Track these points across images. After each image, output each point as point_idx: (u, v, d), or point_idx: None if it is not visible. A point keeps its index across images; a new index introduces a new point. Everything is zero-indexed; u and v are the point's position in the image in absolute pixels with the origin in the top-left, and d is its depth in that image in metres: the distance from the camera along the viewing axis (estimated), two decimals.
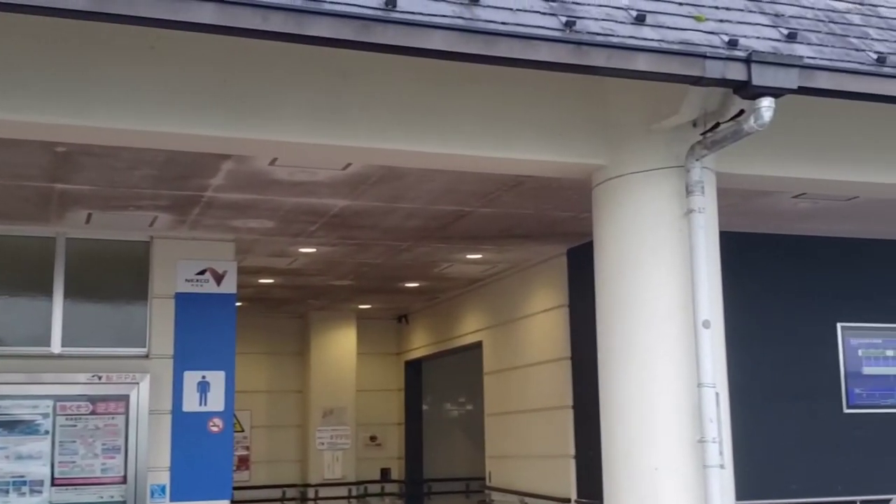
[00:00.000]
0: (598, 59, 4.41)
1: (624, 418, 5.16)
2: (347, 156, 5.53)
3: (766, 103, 4.81)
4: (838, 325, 8.49)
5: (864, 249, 8.66)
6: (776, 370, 8.21)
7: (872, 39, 5.38)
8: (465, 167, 5.49)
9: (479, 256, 9.59)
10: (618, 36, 4.50)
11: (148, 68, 4.48)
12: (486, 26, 4.25)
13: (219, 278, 8.08)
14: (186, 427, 7.85)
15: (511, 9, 4.43)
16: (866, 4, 5.81)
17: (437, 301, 12.81)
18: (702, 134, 5.17)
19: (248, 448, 13.83)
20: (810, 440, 8.26)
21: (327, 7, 4.00)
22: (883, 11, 5.79)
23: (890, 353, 8.55)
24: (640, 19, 4.75)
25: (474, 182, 6.66)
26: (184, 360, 7.91)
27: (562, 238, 8.67)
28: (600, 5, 4.78)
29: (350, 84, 4.81)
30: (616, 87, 5.30)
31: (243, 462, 13.74)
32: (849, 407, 8.41)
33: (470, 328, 11.63)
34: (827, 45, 5.18)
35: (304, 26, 3.96)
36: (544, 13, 4.50)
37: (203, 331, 7.94)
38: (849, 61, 5.09)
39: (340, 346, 14.05)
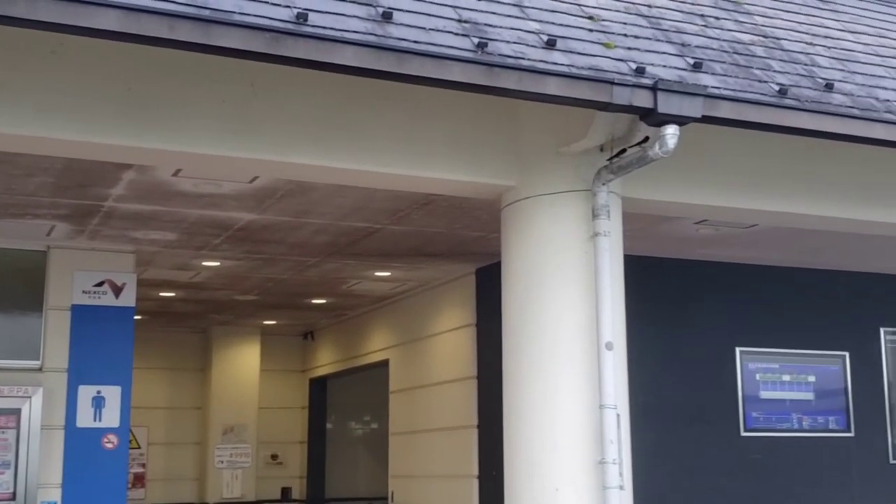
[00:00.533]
0: (508, 81, 4.42)
1: (526, 438, 5.17)
2: (254, 169, 5.47)
3: (671, 131, 4.86)
4: (737, 350, 8.64)
5: (763, 276, 8.80)
6: (677, 393, 8.31)
7: (775, 71, 5.49)
8: (376, 184, 5.48)
9: (387, 274, 9.55)
10: (529, 59, 4.53)
11: (48, 73, 4.38)
12: (399, 44, 4.25)
13: (117, 290, 7.96)
14: (80, 443, 7.71)
15: (424, 28, 4.44)
16: (770, 37, 5.93)
17: (344, 318, 12.72)
18: (609, 159, 5.21)
19: (144, 465, 13.57)
20: (708, 462, 8.36)
21: (237, 18, 3.95)
22: (785, 45, 5.92)
23: (786, 377, 8.70)
24: (550, 44, 4.77)
25: (385, 199, 6.64)
26: (79, 373, 7.77)
27: (471, 257, 8.68)
28: (512, 28, 4.80)
29: (259, 97, 4.77)
30: (527, 110, 5.32)
31: (139, 480, 13.46)
32: (746, 430, 8.56)
33: (377, 346, 11.58)
34: (731, 76, 5.26)
35: (212, 37, 3.89)
36: (457, 34, 4.51)
37: (99, 344, 7.79)
38: (751, 92, 5.18)
39: (243, 363, 13.87)
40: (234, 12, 3.97)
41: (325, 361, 13.90)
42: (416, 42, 4.30)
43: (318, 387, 14.46)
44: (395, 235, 7.78)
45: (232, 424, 13.60)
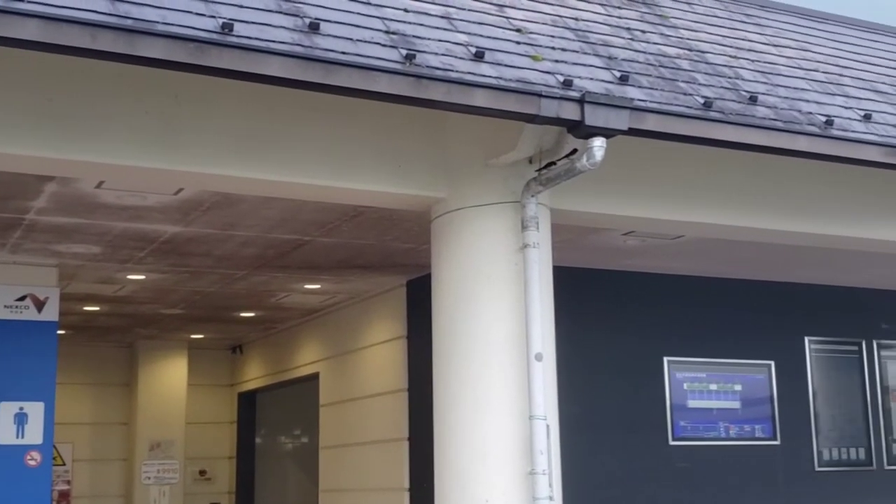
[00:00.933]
0: (436, 93, 4.44)
1: (457, 450, 5.17)
2: (179, 181, 5.39)
3: (598, 143, 4.89)
4: (665, 359, 8.66)
5: (690, 286, 8.85)
6: (606, 402, 8.34)
7: (700, 84, 5.58)
8: (304, 196, 5.44)
9: (317, 287, 9.50)
10: (457, 71, 4.54)
11: None
12: (326, 55, 4.22)
13: (40, 305, 7.83)
14: (1, 461, 7.55)
15: (352, 39, 4.43)
16: (695, 51, 6.04)
17: (273, 331, 12.51)
18: (537, 171, 5.23)
19: (69, 483, 13.29)
20: (637, 472, 8.37)
21: (160, 28, 3.90)
22: (710, 58, 6.03)
23: (713, 386, 8.76)
24: (479, 56, 4.78)
25: (313, 211, 6.58)
26: (0, 390, 7.59)
27: (402, 269, 8.63)
28: (440, 40, 4.80)
29: (183, 107, 4.70)
30: (456, 122, 5.32)
31: (63, 497, 13.18)
32: (674, 439, 8.59)
33: (307, 359, 11.48)
34: (657, 89, 5.33)
35: (135, 47, 3.83)
36: (385, 45, 4.52)
37: (21, 359, 7.65)
38: (677, 105, 5.25)
39: (170, 377, 13.68)
40: (157, 22, 3.92)
41: (254, 375, 13.76)
42: (343, 53, 4.29)
43: (247, 401, 14.30)
44: (324, 247, 7.72)
45: (159, 440, 13.39)
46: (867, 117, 6.00)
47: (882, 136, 5.83)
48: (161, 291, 9.57)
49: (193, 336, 13.25)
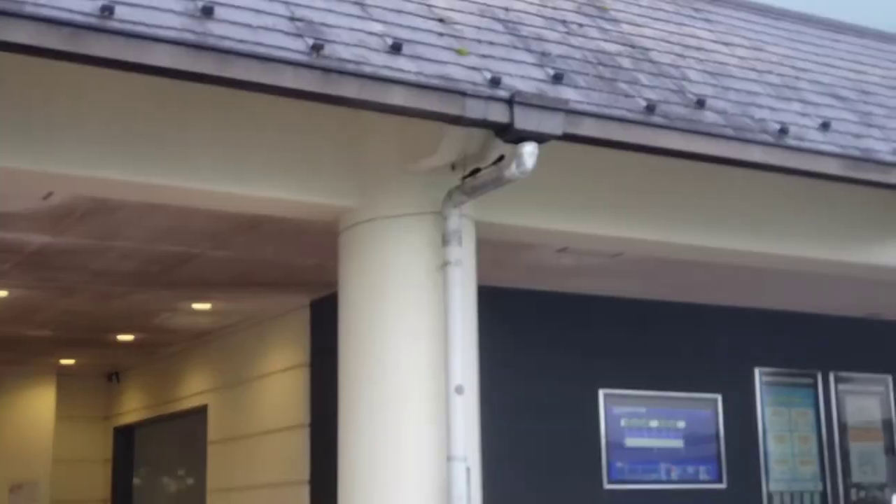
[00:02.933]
0: (348, 89, 4.46)
1: (366, 495, 5.22)
2: (48, 184, 5.36)
3: (529, 149, 4.95)
4: (600, 392, 8.70)
5: (631, 310, 8.91)
6: (534, 441, 8.36)
7: (642, 85, 5.66)
8: (193, 202, 5.44)
9: (207, 306, 9.50)
10: (371, 65, 4.56)
11: None
12: (220, 43, 4.21)
13: None
14: None
15: (251, 26, 4.42)
16: (637, 48, 6.14)
17: (156, 357, 12.41)
18: (461, 178, 5.29)
19: None
20: None
21: (29, 9, 3.85)
22: (654, 56, 6.12)
23: (654, 423, 8.84)
24: (395, 48, 4.81)
25: (204, 220, 6.57)
26: None
27: (305, 288, 8.67)
28: (352, 29, 4.83)
29: (55, 101, 4.68)
30: (369, 121, 5.35)
31: None
32: (610, 482, 8.64)
33: (194, 389, 11.42)
34: (595, 90, 5.41)
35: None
36: (289, 33, 4.51)
37: None
38: (617, 108, 5.33)
39: (34, 409, 13.43)
40: (26, 3, 3.87)
41: (133, 407, 13.56)
42: (241, 41, 4.29)
43: (125, 436, 14.10)
44: (216, 262, 7.73)
45: (21, 481, 13.13)
46: (825, 126, 6.13)
47: (841, 146, 5.98)
48: (26, 310, 9.47)
49: (63, 362, 13.03)
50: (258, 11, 4.56)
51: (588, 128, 5.15)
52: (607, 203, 6.03)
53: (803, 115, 6.21)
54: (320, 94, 4.45)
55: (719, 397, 9.18)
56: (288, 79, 4.31)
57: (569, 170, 5.78)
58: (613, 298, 8.84)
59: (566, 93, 5.25)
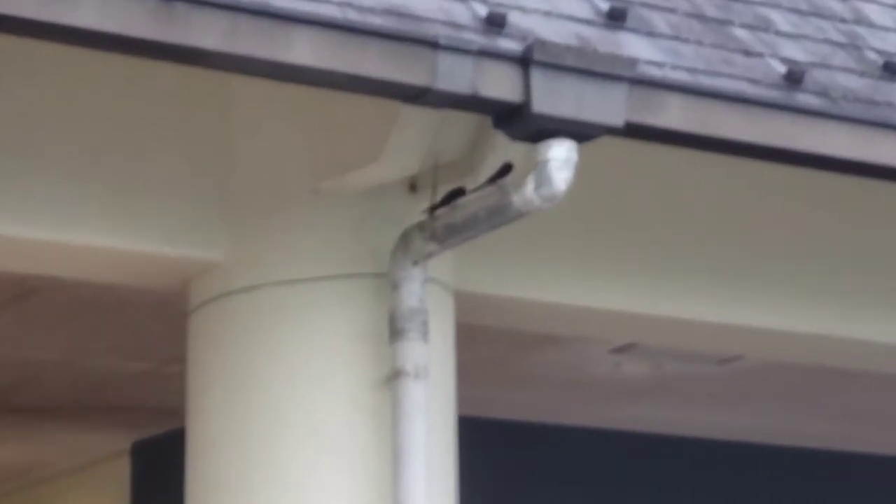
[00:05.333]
0: (204, 34, 3.82)
1: None
2: None
3: (562, 152, 4.25)
4: None
5: (749, 459, 8.15)
6: None
7: (778, 34, 5.01)
8: None
9: None
10: None
11: None
12: None
13: None
14: None
15: None
16: None
17: None
18: (428, 209, 4.67)
19: None
20: None
21: None
22: None
23: None
24: None
25: None
26: None
27: (123, 419, 7.81)
28: None
29: None
30: (249, 103, 4.86)
31: None
32: None
33: None
34: (688, 40, 4.69)
35: None
36: None
37: None
38: (730, 76, 4.58)
39: None
40: None
41: None
42: None
43: None
44: None
45: None
46: None
47: None
48: None
49: None
50: None
51: (675, 113, 4.39)
52: (716, 265, 5.46)
53: None
54: (152, 45, 3.80)
55: None
56: (88, 17, 3.71)
57: (628, 194, 5.31)
58: (713, 443, 8.09)
59: (632, 45, 4.54)
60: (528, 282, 5.19)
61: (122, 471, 8.19)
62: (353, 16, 3.99)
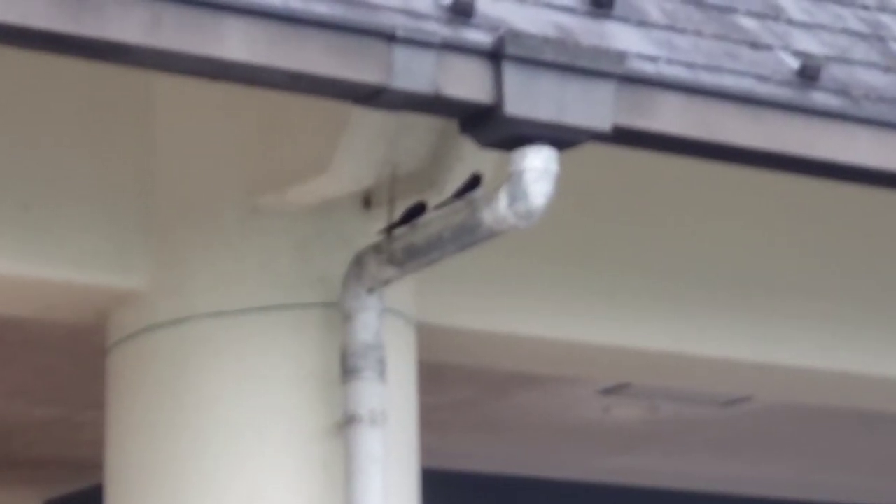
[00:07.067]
0: (126, 28, 3.75)
1: None
2: None
3: (538, 162, 4.20)
4: None
5: None
6: None
7: (788, 22, 4.94)
8: None
9: None
10: None
11: None
12: None
13: None
14: None
15: None
16: None
17: None
18: (385, 229, 4.58)
19: None
20: None
21: None
22: None
23: None
24: None
25: None
26: None
27: (32, 476, 7.74)
28: None
29: None
30: (175, 105, 4.85)
31: None
32: None
33: None
34: (684, 31, 4.64)
35: None
36: None
37: None
38: (734, 71, 4.53)
39: None
40: None
41: None
42: None
43: None
44: None
45: None
46: None
47: None
48: None
49: None
50: None
51: (671, 115, 4.32)
52: (703, 286, 5.42)
53: None
54: (58, 38, 3.69)
55: None
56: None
57: (617, 210, 5.29)
58: (716, 498, 8.13)
59: (621, 36, 4.49)
60: (502, 313, 5.11)
61: None
62: (294, 4, 3.92)
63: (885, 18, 5.44)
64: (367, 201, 4.68)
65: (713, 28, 4.76)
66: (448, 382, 5.76)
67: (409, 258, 4.47)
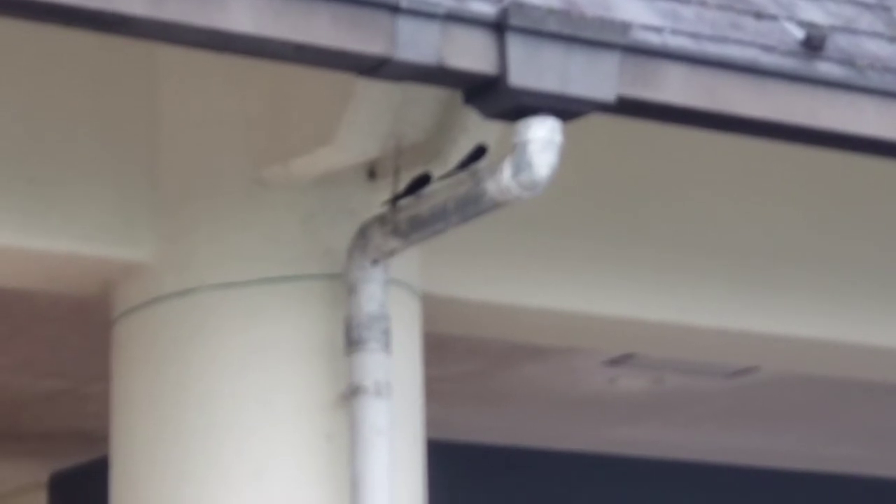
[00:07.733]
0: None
1: None
2: None
3: (543, 132, 4.25)
4: None
5: (757, 485, 8.33)
6: None
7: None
8: None
9: None
10: None
11: None
12: None
13: None
14: None
15: None
16: None
17: None
18: (390, 200, 4.63)
19: None
20: None
21: None
22: None
23: None
24: None
25: None
26: None
27: (39, 448, 7.81)
28: None
29: None
30: (179, 78, 4.87)
31: None
32: None
33: None
34: (691, 1, 4.70)
35: None
36: None
37: None
38: (739, 42, 4.58)
39: None
40: None
41: None
42: None
43: None
44: None
45: None
46: None
47: None
48: None
49: None
50: None
51: (676, 85, 4.39)
52: (709, 256, 5.45)
53: None
54: (64, 10, 3.66)
55: None
56: None
57: (621, 180, 5.33)
58: (722, 468, 8.18)
59: (625, 6, 4.52)
60: (507, 284, 5.16)
61: None
62: None
63: None
64: (372, 173, 4.73)
65: None
66: (453, 354, 5.81)
67: (414, 229, 4.52)
